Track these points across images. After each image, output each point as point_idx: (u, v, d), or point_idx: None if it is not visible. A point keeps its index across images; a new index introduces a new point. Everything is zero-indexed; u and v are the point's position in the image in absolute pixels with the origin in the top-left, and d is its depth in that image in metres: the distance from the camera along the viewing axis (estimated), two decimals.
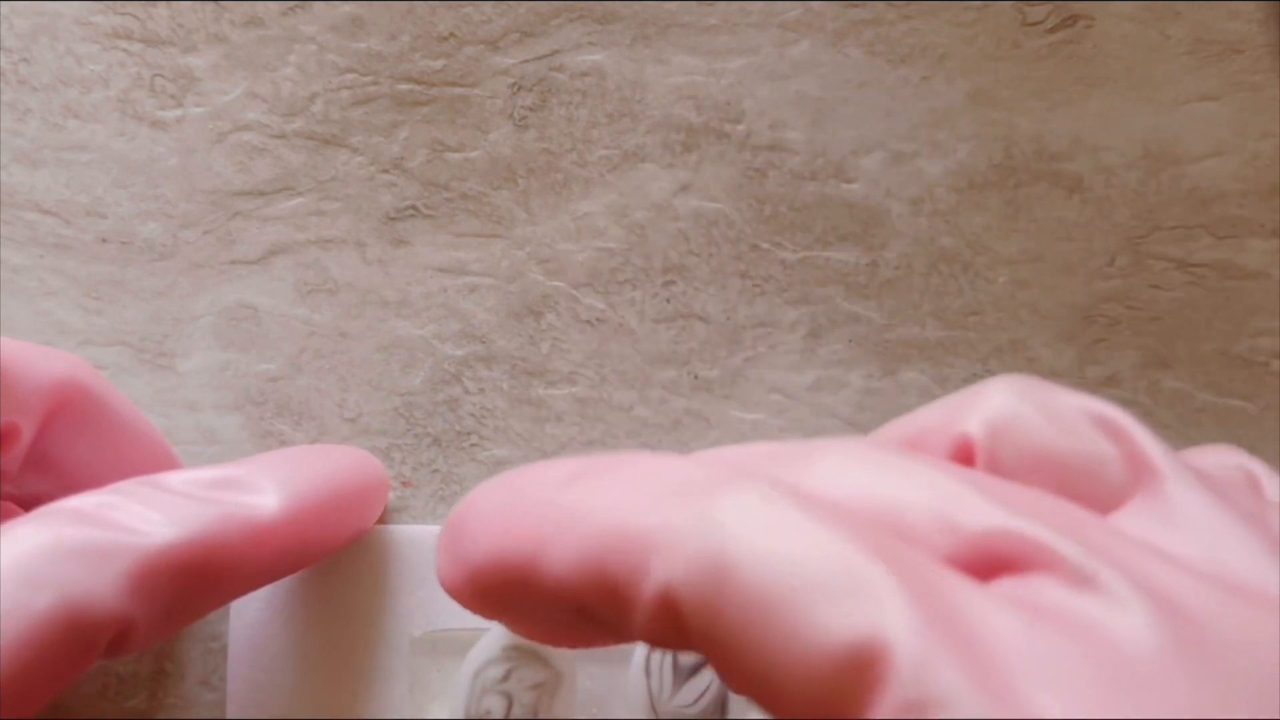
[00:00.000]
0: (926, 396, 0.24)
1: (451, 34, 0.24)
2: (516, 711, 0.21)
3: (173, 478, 0.18)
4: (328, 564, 0.23)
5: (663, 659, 0.21)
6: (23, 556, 0.16)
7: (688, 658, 0.21)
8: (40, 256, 0.24)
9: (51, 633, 0.15)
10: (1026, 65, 0.24)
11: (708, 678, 0.21)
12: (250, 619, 0.23)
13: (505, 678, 0.21)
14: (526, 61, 0.24)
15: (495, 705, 0.21)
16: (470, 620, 0.21)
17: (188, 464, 0.24)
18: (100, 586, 0.16)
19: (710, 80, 0.24)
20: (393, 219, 0.24)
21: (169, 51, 0.24)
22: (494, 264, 0.24)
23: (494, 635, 0.21)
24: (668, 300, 0.24)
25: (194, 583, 0.17)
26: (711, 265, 0.24)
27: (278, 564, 0.19)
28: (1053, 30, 0.24)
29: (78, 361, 0.20)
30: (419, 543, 0.23)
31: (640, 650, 0.21)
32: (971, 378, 0.24)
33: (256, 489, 0.19)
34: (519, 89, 0.24)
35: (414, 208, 0.24)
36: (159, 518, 0.17)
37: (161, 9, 0.24)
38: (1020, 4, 0.24)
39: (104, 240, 0.24)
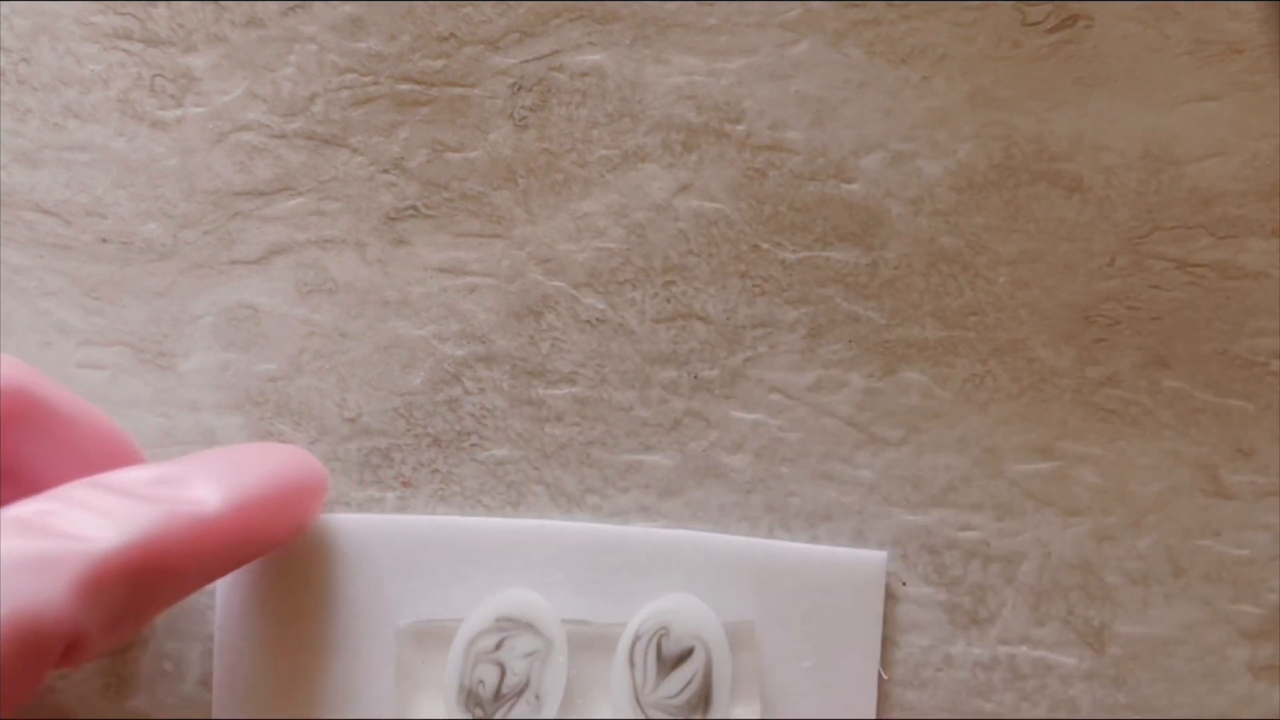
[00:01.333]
0: (927, 396, 0.24)
1: (451, 34, 0.24)
2: (509, 680, 0.21)
3: (113, 478, 0.18)
4: (309, 552, 0.22)
5: (646, 650, 0.21)
6: None
7: (671, 649, 0.21)
8: (40, 256, 0.24)
9: (6, 646, 0.15)
10: (1026, 65, 0.24)
11: (692, 669, 0.21)
12: (236, 611, 0.23)
13: (497, 647, 0.21)
14: (526, 61, 0.24)
15: (488, 675, 0.21)
16: (455, 610, 0.21)
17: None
18: (50, 596, 0.15)
19: (710, 80, 0.24)
20: (393, 219, 0.24)
21: (169, 51, 0.24)
22: (494, 264, 0.24)
23: (485, 608, 0.21)
24: (668, 300, 0.24)
25: (140, 585, 0.17)
26: (711, 265, 0.24)
27: (220, 560, 0.19)
28: (1053, 30, 0.24)
29: (14, 362, 0.19)
30: (404, 534, 0.23)
31: (624, 641, 0.21)
32: (972, 378, 0.24)
33: (196, 486, 0.18)
34: (519, 89, 0.24)
35: (414, 208, 0.24)
36: (101, 522, 0.17)
37: (161, 9, 0.24)
38: (1020, 4, 0.24)
39: (104, 240, 0.24)
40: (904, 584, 0.23)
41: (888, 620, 0.23)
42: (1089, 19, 0.24)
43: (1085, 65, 0.24)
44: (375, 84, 0.24)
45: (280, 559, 0.23)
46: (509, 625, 0.21)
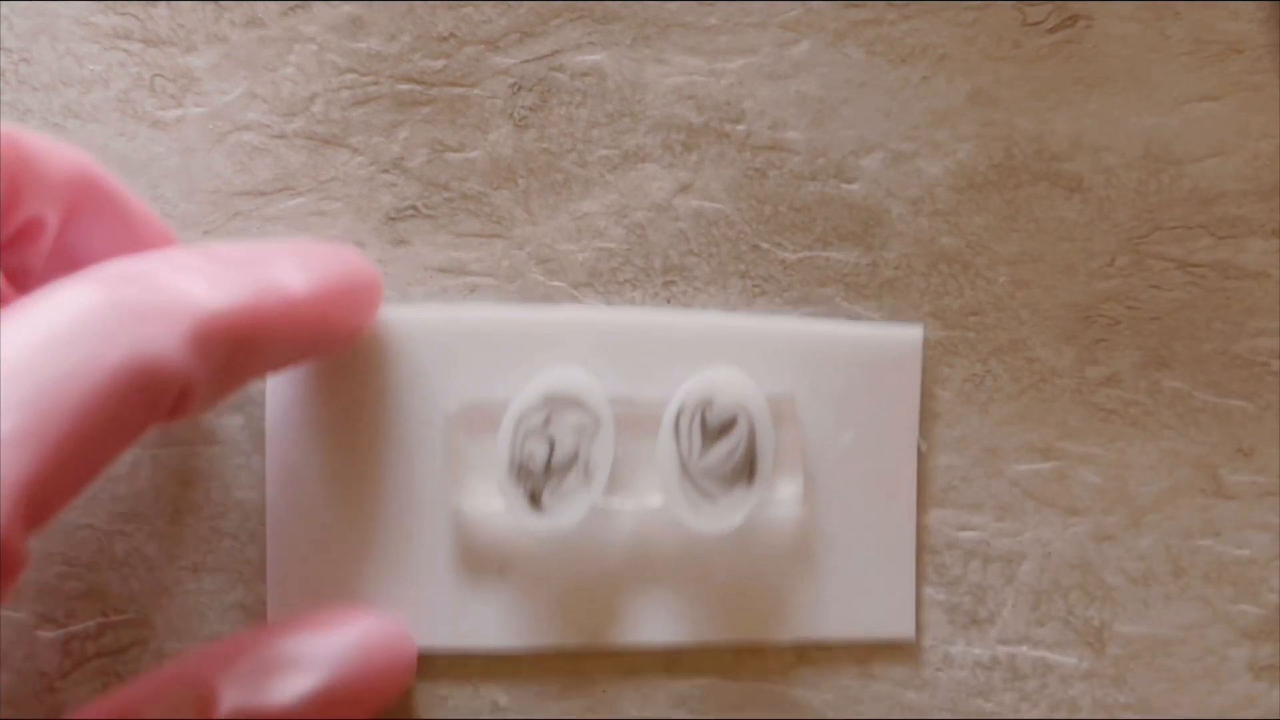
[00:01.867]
0: (927, 397, 0.24)
1: (451, 34, 0.24)
2: (559, 454, 0.21)
3: (204, 250, 0.18)
4: (357, 345, 0.22)
5: (691, 421, 0.22)
6: (88, 312, 0.15)
7: (715, 419, 0.22)
8: None
9: (123, 387, 0.15)
10: (1026, 65, 0.24)
11: (735, 439, 0.22)
12: (286, 399, 0.23)
13: (546, 423, 0.21)
14: (526, 61, 0.24)
15: (538, 449, 0.21)
16: (502, 394, 0.22)
17: (188, 467, 0.24)
18: (166, 344, 0.15)
19: (710, 80, 0.23)
20: (393, 219, 0.24)
21: (169, 51, 0.24)
22: (494, 264, 0.24)
23: (533, 386, 0.22)
24: (668, 300, 0.24)
25: (241, 348, 0.17)
26: (711, 265, 0.24)
27: (304, 341, 0.19)
28: (1053, 30, 0.24)
29: (86, 154, 0.19)
30: (449, 325, 0.23)
31: (669, 413, 0.22)
32: (972, 378, 0.24)
33: (279, 267, 0.18)
34: (519, 89, 0.24)
35: (414, 208, 0.24)
36: (204, 283, 0.17)
37: (161, 9, 0.24)
38: (1020, 4, 0.24)
39: None
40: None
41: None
42: (1089, 19, 0.24)
43: (1085, 65, 0.24)
44: (375, 84, 0.24)
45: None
46: (556, 402, 0.21)
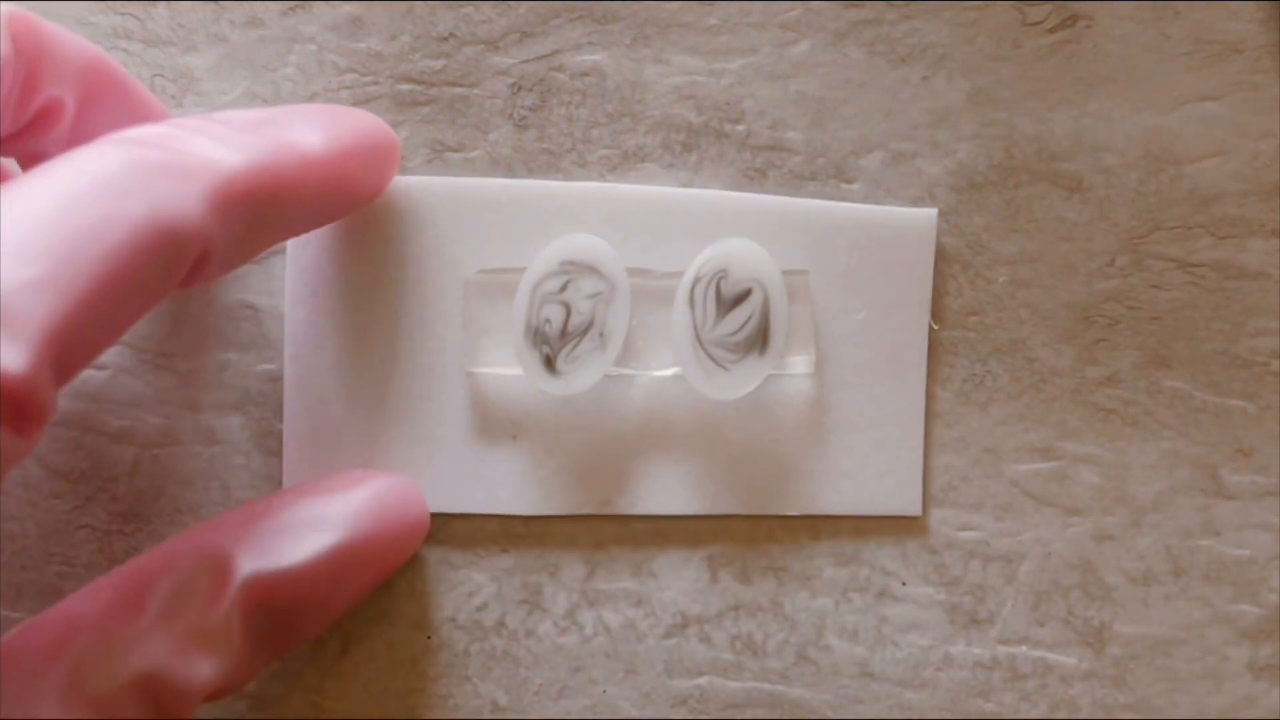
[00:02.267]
0: (927, 397, 0.24)
1: (451, 34, 0.24)
2: (574, 319, 0.22)
3: (220, 115, 0.18)
4: (377, 212, 0.23)
5: (706, 291, 0.22)
6: (110, 170, 0.16)
7: (730, 290, 0.22)
8: None
9: (145, 242, 0.15)
10: (1026, 65, 0.23)
11: (749, 310, 0.22)
12: (306, 263, 0.23)
13: (563, 289, 0.22)
14: (526, 61, 0.24)
15: (554, 314, 0.22)
16: (520, 259, 0.22)
17: (188, 467, 0.24)
18: (186, 202, 0.16)
19: (710, 80, 0.23)
20: None
21: (169, 51, 0.24)
22: None
23: (551, 251, 0.22)
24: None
25: (261, 208, 0.17)
26: None
27: (322, 202, 0.19)
28: (1053, 30, 0.24)
29: (85, 42, 0.19)
30: (466, 195, 0.23)
31: (684, 283, 0.22)
32: (971, 378, 0.24)
33: (296, 129, 0.19)
34: (519, 89, 0.24)
35: None
36: (222, 147, 0.17)
37: (161, 9, 0.24)
38: (1020, 4, 0.24)
39: None
40: (904, 584, 0.23)
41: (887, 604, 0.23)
42: (1089, 19, 0.24)
43: (1085, 65, 0.24)
44: (375, 84, 0.24)
45: (345, 219, 0.23)
46: (573, 269, 0.22)
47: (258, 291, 0.24)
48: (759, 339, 0.22)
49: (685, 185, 0.24)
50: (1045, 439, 0.23)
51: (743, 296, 0.22)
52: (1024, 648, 0.23)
